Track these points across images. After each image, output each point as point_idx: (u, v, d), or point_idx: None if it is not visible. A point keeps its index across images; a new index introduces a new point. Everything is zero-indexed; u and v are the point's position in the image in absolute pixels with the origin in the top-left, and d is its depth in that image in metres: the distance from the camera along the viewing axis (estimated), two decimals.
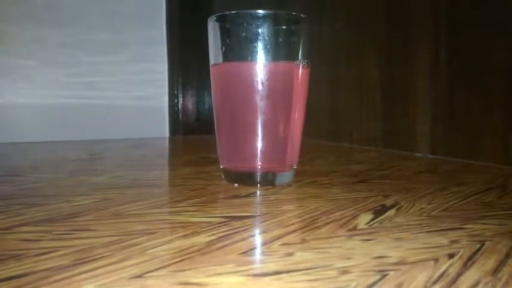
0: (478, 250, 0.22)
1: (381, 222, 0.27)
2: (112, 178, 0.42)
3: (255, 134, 0.37)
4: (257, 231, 0.26)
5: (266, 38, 0.36)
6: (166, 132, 1.22)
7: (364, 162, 0.57)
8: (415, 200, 0.33)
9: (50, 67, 1.09)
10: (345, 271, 0.19)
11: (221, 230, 0.25)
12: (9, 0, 1.04)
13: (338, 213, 0.29)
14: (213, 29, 0.39)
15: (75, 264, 0.19)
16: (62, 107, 1.10)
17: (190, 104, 1.22)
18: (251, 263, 0.21)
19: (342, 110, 0.80)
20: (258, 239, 0.24)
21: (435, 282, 0.18)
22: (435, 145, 0.62)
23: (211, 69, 0.40)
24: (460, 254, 0.21)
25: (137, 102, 1.18)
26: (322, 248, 0.22)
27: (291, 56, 0.38)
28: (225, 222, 0.27)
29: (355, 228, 0.26)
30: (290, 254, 0.21)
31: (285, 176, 0.40)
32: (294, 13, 0.38)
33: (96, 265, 0.19)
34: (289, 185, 0.39)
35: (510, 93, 0.52)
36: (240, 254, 0.21)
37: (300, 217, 0.29)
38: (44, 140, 0.84)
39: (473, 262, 0.20)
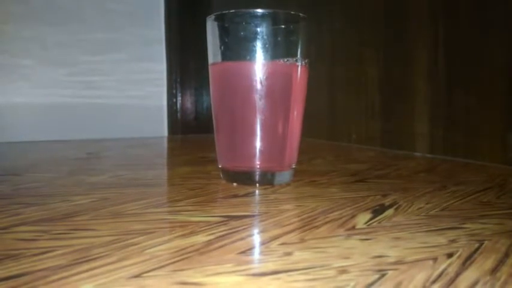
0: (476, 249, 0.22)
1: (379, 222, 0.27)
2: (110, 177, 0.42)
3: (254, 133, 0.37)
4: (256, 230, 0.26)
5: (265, 37, 0.36)
6: (165, 132, 1.22)
7: (363, 161, 0.57)
8: (413, 200, 0.33)
9: (49, 66, 1.09)
10: (343, 270, 0.19)
11: (220, 230, 0.25)
12: None
13: (337, 213, 0.29)
14: (211, 28, 0.39)
15: (73, 264, 0.19)
16: (61, 106, 1.10)
17: (188, 103, 1.22)
18: (250, 262, 0.21)
19: (340, 109, 0.80)
20: (256, 239, 0.24)
21: (434, 281, 0.18)
22: (434, 144, 0.62)
23: (210, 68, 0.40)
24: (459, 253, 0.21)
25: (136, 102, 1.18)
26: (320, 248, 0.22)
27: (290, 55, 0.38)
28: (223, 221, 0.27)
29: (353, 227, 0.26)
30: (289, 254, 0.21)
31: (284, 176, 0.40)
32: (292, 12, 0.38)
33: (95, 265, 0.19)
34: (288, 184, 0.39)
35: (509, 92, 0.52)
36: (238, 253, 0.21)
37: (298, 216, 0.28)
38: (42, 139, 0.84)
39: (472, 261, 0.20)
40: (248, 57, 0.36)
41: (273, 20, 0.37)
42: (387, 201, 0.33)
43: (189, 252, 0.21)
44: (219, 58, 0.38)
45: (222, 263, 0.20)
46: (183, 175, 0.44)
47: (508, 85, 0.52)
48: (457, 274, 0.19)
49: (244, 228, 0.25)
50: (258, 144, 0.38)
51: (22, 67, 1.06)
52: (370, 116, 0.73)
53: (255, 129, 0.37)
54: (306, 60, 0.39)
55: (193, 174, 0.44)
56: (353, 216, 0.28)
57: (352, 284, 0.18)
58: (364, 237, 0.24)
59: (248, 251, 0.22)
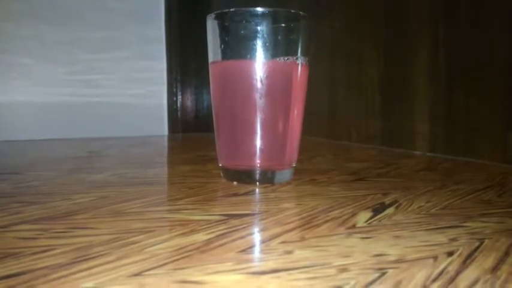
0: (477, 248, 0.22)
1: (379, 220, 0.27)
2: (111, 176, 0.42)
3: (254, 132, 0.37)
4: (256, 229, 0.26)
5: (265, 35, 0.36)
6: (165, 130, 1.22)
7: (363, 160, 0.57)
8: (414, 198, 0.33)
9: (49, 65, 1.09)
10: (343, 269, 0.19)
11: (220, 228, 0.25)
12: None
13: (337, 211, 0.29)
14: (212, 27, 0.39)
15: (73, 263, 0.19)
16: (61, 104, 1.10)
17: (189, 101, 1.22)
18: (250, 261, 0.21)
19: (341, 108, 0.80)
20: (256, 237, 0.24)
21: (434, 280, 0.18)
22: (434, 143, 0.62)
23: (210, 67, 0.40)
24: (459, 251, 0.21)
25: (136, 100, 1.18)
26: (321, 246, 0.22)
27: (290, 54, 0.38)
28: (223, 220, 0.27)
29: (354, 226, 0.26)
30: (289, 252, 0.21)
31: (284, 174, 0.40)
32: (292, 11, 0.38)
33: (95, 263, 0.19)
34: (288, 183, 0.39)
35: (509, 91, 0.52)
36: (238, 252, 0.21)
37: (298, 215, 0.28)
38: (42, 137, 0.84)
39: (473, 260, 0.20)
40: (248, 56, 0.36)
41: (273, 19, 0.37)
42: (387, 200, 0.33)
43: (189, 251, 0.21)
44: (219, 57, 0.38)
45: (222, 261, 0.20)
46: (183, 174, 0.44)
47: (508, 85, 0.52)
48: (458, 273, 0.19)
49: (244, 227, 0.25)
50: (258, 142, 0.38)
51: (22, 65, 1.06)
52: (370, 114, 0.73)
53: (255, 127, 0.37)
54: (306, 59, 0.39)
55: (194, 173, 0.44)
56: (353, 215, 0.28)
57: (352, 282, 0.18)
58: (364, 235, 0.24)
59: (248, 249, 0.22)
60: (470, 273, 0.19)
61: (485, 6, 0.54)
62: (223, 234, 0.24)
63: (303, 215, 0.28)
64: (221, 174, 0.41)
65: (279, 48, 0.37)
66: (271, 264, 0.20)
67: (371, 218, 0.28)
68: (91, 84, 1.13)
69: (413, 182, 0.41)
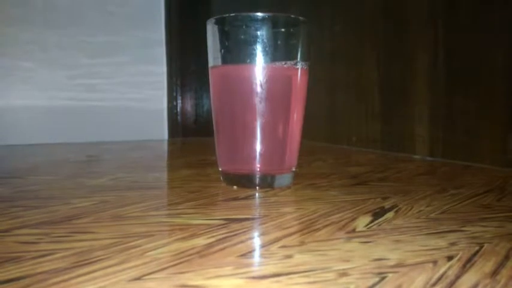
0: (476, 252, 0.22)
1: (379, 225, 0.27)
2: (111, 180, 0.42)
3: (254, 136, 0.37)
4: (256, 233, 0.26)
5: (265, 40, 0.36)
6: (165, 135, 1.22)
7: (363, 164, 0.57)
8: (413, 202, 0.33)
9: (49, 69, 1.09)
10: (343, 273, 0.19)
11: (220, 233, 0.25)
12: (8, 2, 1.05)
13: (337, 216, 0.29)
14: (212, 32, 0.39)
15: (73, 267, 0.19)
16: (61, 109, 1.10)
17: (189, 106, 1.22)
18: (250, 265, 0.21)
19: (340, 111, 0.81)
20: (256, 242, 0.24)
21: (434, 284, 0.18)
22: (434, 147, 0.62)
23: (210, 71, 0.40)
24: (459, 256, 0.22)
25: (136, 105, 1.18)
26: (321, 251, 0.22)
27: (290, 58, 0.38)
28: (223, 224, 0.27)
29: (353, 230, 0.26)
30: (289, 257, 0.21)
31: (284, 178, 0.40)
32: (292, 16, 0.38)
33: (95, 267, 0.19)
34: (288, 187, 0.39)
35: (509, 94, 0.52)
36: (238, 256, 0.21)
37: (298, 219, 0.29)
38: (43, 142, 0.84)
39: (472, 264, 0.20)
40: (248, 61, 0.37)
41: (273, 24, 0.37)
42: (387, 204, 0.33)
43: (190, 255, 0.21)
44: (219, 61, 0.39)
45: (223, 265, 0.20)
46: (183, 178, 0.44)
47: (508, 87, 0.52)
48: (457, 277, 0.19)
49: (244, 231, 0.25)
50: (258, 147, 0.38)
51: (23, 70, 1.07)
52: (370, 118, 0.73)
53: (255, 132, 0.37)
54: (306, 64, 0.39)
55: (194, 177, 0.44)
56: (353, 219, 0.28)
57: (352, 286, 0.18)
58: (364, 240, 0.24)
59: (248, 253, 0.22)
60: (470, 278, 0.19)
61: (485, 7, 0.54)
62: (223, 238, 0.24)
63: (303, 220, 0.28)
64: (221, 178, 0.41)
65: (278, 52, 0.38)
66: (271, 269, 0.20)
67: (371, 222, 0.28)
68: (91, 88, 1.14)
69: (413, 186, 0.41)
